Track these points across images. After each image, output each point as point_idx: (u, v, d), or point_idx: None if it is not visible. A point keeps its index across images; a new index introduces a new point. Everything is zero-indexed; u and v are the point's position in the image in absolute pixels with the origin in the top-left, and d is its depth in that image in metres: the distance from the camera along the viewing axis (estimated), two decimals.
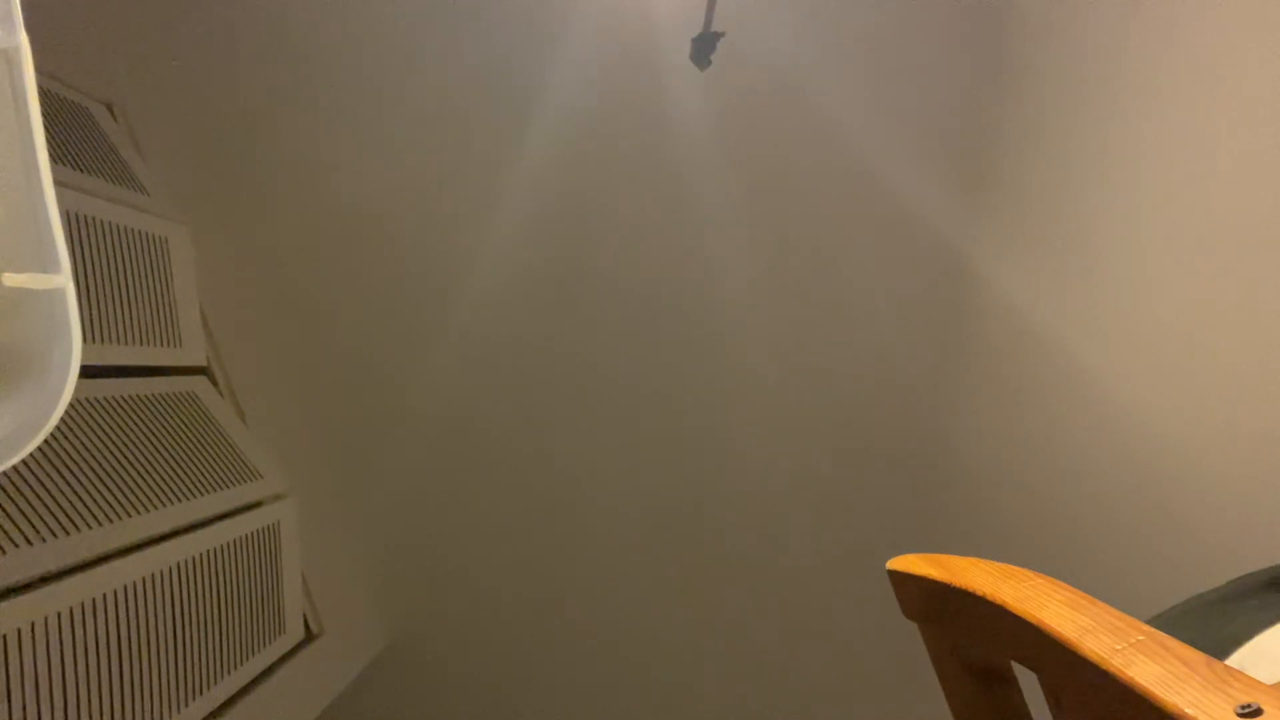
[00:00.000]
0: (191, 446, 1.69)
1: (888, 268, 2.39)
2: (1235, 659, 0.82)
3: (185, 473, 1.62)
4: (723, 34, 1.85)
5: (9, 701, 1.12)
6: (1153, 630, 0.59)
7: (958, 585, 0.72)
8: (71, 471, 1.36)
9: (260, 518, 1.79)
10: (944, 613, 0.76)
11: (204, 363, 1.89)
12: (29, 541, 1.21)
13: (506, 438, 2.63)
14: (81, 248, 1.52)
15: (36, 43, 0.59)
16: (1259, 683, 0.53)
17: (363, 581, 2.57)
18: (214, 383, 1.93)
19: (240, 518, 1.72)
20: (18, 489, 1.24)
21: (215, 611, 1.59)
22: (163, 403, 1.68)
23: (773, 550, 2.66)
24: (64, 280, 0.60)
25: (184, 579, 1.51)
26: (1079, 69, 1.95)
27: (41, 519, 1.25)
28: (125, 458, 1.49)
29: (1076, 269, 2.01)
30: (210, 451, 1.73)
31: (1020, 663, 0.71)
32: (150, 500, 1.48)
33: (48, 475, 1.31)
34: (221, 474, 1.72)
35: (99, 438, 1.46)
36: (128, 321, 1.62)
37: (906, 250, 2.36)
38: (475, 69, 2.18)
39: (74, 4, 1.84)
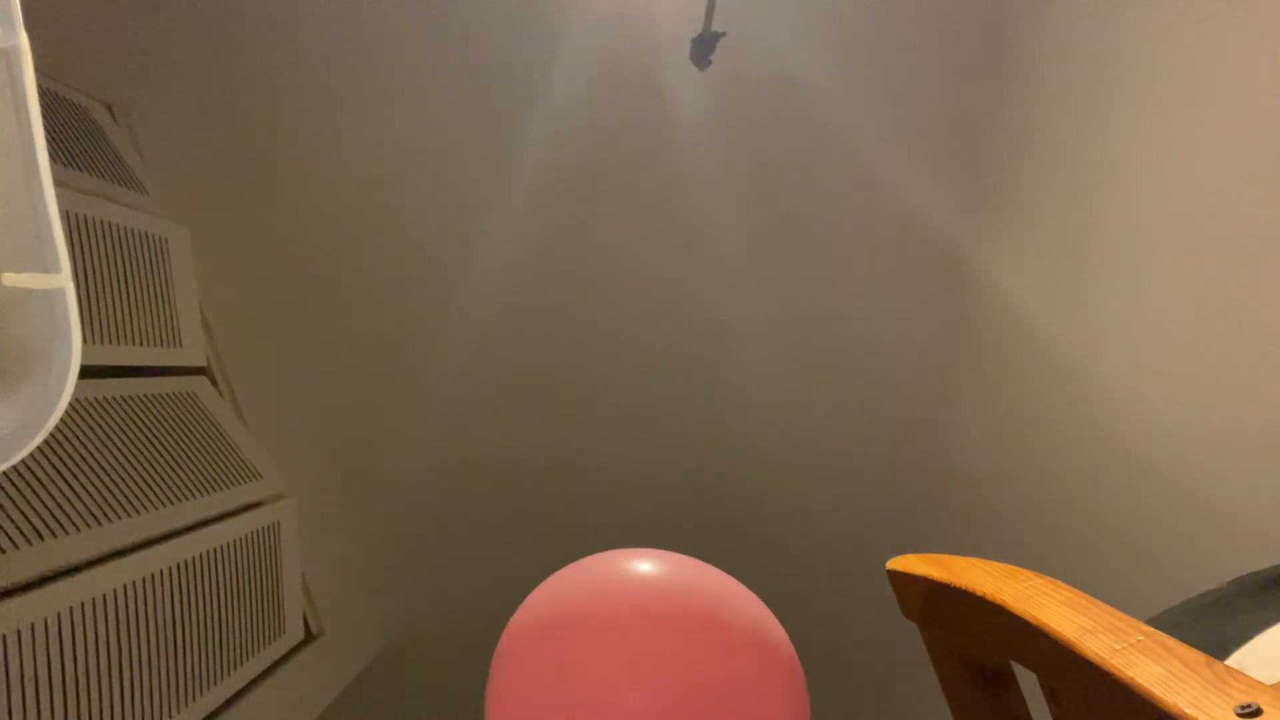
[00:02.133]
0: (191, 446, 1.69)
1: (887, 266, 2.39)
2: (1235, 659, 0.82)
3: (185, 473, 1.62)
4: (723, 34, 1.85)
5: (9, 701, 1.12)
6: (1153, 630, 0.59)
7: (958, 585, 0.72)
8: (71, 471, 1.36)
9: (260, 518, 1.79)
10: (944, 613, 0.76)
11: (204, 363, 1.89)
12: (29, 541, 1.21)
13: (506, 437, 2.63)
14: (81, 248, 1.52)
15: (36, 43, 0.59)
16: (1259, 683, 0.53)
17: (363, 581, 2.56)
18: (214, 383, 1.93)
19: (240, 518, 1.72)
20: (18, 489, 1.24)
21: (215, 612, 1.59)
22: (163, 403, 1.68)
23: (773, 551, 2.66)
24: (64, 280, 0.60)
25: (184, 579, 1.51)
26: (1080, 69, 1.95)
27: (41, 519, 1.25)
28: (125, 458, 1.49)
29: (1078, 269, 2.01)
30: (210, 451, 1.73)
31: (1020, 663, 0.71)
32: (150, 500, 1.48)
33: (48, 475, 1.31)
34: (221, 474, 1.72)
35: (99, 438, 1.46)
36: (128, 321, 1.62)
37: (906, 249, 2.36)
38: (476, 70, 2.18)
39: (74, 4, 1.84)
